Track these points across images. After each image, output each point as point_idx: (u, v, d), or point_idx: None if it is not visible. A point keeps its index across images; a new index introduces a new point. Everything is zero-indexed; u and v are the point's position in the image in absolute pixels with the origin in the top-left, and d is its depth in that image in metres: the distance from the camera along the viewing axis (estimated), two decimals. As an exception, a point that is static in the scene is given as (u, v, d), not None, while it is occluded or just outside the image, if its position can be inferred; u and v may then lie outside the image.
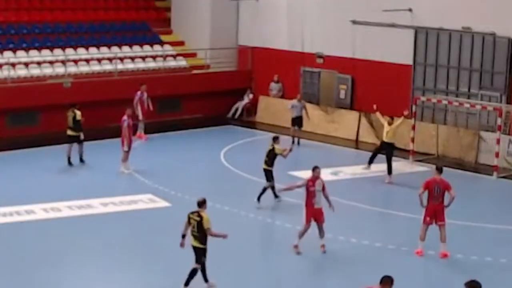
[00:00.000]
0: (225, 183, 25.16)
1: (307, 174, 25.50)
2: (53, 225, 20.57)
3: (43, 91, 30.44)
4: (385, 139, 25.39)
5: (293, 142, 29.73)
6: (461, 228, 21.00)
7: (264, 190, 22.37)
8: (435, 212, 18.71)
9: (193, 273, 16.33)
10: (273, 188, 22.53)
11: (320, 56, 33.45)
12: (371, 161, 25.94)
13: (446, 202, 18.72)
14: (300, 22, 33.73)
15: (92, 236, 19.72)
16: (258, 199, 22.29)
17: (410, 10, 30.23)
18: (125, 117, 25.39)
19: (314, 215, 18.62)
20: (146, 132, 30.34)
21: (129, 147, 25.34)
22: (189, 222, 16.38)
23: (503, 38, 28.16)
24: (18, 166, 26.12)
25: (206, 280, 16.55)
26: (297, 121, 30.22)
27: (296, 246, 18.72)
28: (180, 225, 20.88)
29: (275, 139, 22.66)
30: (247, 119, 34.69)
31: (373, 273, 17.98)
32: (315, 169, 18.80)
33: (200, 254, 16.34)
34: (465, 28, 29.05)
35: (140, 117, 30.08)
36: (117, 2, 36.86)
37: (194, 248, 16.38)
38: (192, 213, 16.40)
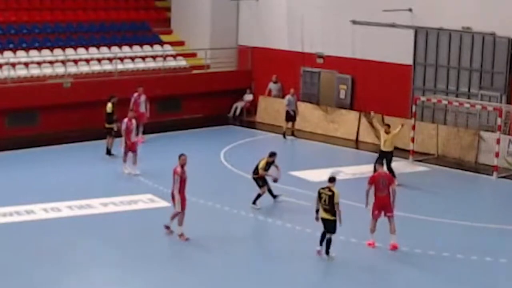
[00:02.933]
0: (225, 183, 25.17)
1: (307, 174, 25.68)
2: (53, 225, 20.56)
3: (43, 91, 30.43)
4: (383, 149, 24.86)
5: (284, 136, 31.01)
6: (461, 228, 21.01)
7: (259, 195, 22.29)
8: (382, 205, 19.02)
9: (329, 242, 18.29)
10: (269, 191, 22.48)
11: (320, 56, 33.45)
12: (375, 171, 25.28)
13: (391, 198, 19.03)
14: (300, 22, 33.72)
15: (92, 236, 19.70)
16: (254, 202, 22.24)
17: (410, 10, 30.23)
18: (125, 119, 25.27)
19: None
20: (145, 132, 30.21)
21: (125, 149, 25.12)
22: (319, 197, 18.16)
23: (503, 38, 28.16)
24: (18, 166, 26.10)
25: (327, 252, 18.40)
26: (292, 115, 31.09)
27: (182, 235, 19.46)
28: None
29: (271, 155, 22.26)
30: (247, 119, 34.69)
31: (374, 273, 18.04)
32: (181, 156, 19.74)
33: (331, 225, 18.22)
34: (465, 28, 29.05)
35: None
36: (117, 2, 36.86)
37: (325, 220, 18.23)
38: (323, 188, 18.24)
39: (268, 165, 22.19)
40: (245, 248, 19.36)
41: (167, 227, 19.76)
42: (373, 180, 19.17)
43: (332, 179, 18.38)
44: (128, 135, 25.15)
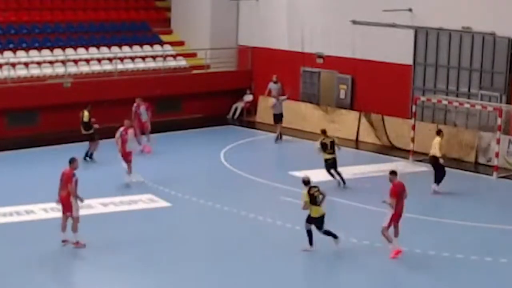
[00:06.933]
0: (225, 183, 25.16)
1: (307, 174, 25.62)
2: (53, 225, 20.52)
3: (43, 91, 30.44)
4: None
5: (280, 137, 30.81)
6: (461, 228, 21.01)
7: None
8: (400, 214, 18.64)
9: (330, 232, 18.86)
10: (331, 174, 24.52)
11: (320, 56, 33.45)
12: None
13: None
14: (300, 22, 33.73)
15: (92, 236, 19.66)
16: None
17: (410, 10, 30.22)
18: (121, 128, 24.32)
19: None
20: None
21: (124, 159, 24.23)
22: (315, 197, 18.50)
23: (503, 38, 28.15)
24: (18, 166, 26.11)
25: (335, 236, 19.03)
26: (279, 116, 30.82)
27: None
28: (180, 225, 20.99)
29: (323, 132, 24.84)
30: (247, 119, 34.70)
31: (374, 273, 18.05)
32: (76, 160, 19.68)
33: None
34: (465, 28, 29.05)
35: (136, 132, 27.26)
36: (117, 2, 36.88)
37: (323, 216, 18.68)
38: (313, 188, 18.66)
39: (324, 145, 24.21)
40: (246, 248, 19.34)
41: (64, 241, 18.89)
42: (396, 192, 18.44)
43: (307, 181, 18.85)
44: (123, 144, 24.11)
